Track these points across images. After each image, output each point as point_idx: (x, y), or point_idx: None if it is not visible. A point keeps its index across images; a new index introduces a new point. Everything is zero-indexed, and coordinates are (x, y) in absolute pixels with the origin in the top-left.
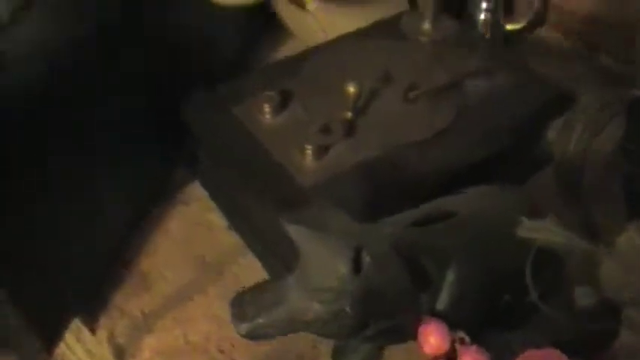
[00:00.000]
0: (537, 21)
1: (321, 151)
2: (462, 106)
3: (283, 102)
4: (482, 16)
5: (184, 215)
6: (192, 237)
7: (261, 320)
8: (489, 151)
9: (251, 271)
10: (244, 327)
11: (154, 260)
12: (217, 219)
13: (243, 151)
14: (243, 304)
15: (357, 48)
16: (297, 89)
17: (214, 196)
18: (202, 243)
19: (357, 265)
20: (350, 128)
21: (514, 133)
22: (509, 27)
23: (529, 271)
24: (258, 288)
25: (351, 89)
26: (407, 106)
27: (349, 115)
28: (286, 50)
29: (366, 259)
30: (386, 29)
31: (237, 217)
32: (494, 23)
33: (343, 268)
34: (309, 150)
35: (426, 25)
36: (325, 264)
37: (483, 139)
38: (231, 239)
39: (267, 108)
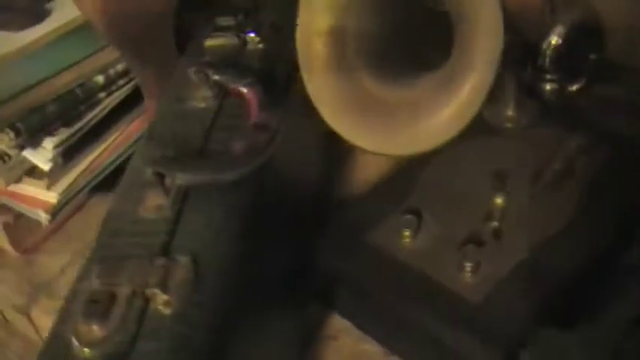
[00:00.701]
0: (595, 77)
1: (478, 264)
2: (579, 186)
3: (418, 222)
4: (548, 87)
5: (337, 350)
6: None
7: None
8: (619, 228)
9: None
10: None
11: None
12: (371, 347)
13: (394, 279)
14: None
15: (455, 153)
16: (423, 205)
17: (362, 325)
18: None
19: None
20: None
21: (630, 202)
22: (571, 88)
23: None
24: None
25: (499, 201)
26: (534, 199)
27: (496, 224)
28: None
29: None
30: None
31: (399, 343)
32: (561, 90)
33: None
34: (468, 267)
35: (510, 112)
36: None
37: (610, 216)
38: None
39: (406, 232)
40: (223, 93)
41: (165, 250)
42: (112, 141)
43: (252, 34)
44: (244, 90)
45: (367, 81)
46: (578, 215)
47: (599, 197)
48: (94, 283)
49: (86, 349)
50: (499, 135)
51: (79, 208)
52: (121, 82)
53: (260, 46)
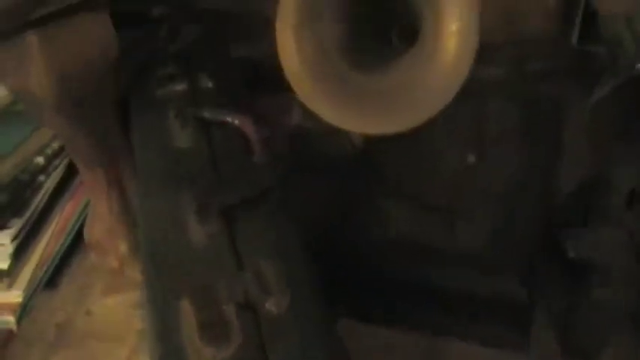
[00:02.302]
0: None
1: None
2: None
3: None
4: None
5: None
6: None
7: None
8: None
9: None
10: None
11: None
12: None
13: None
14: None
15: None
16: (399, 183)
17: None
18: None
19: None
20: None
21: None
22: None
23: None
24: None
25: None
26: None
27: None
28: None
29: None
30: None
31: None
32: None
33: None
34: (460, 225)
35: None
36: None
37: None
38: None
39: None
40: (207, 127)
41: (240, 265)
42: (55, 226)
43: (200, 73)
44: (233, 120)
45: (348, 70)
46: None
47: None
48: (190, 312)
49: None
50: None
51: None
52: (56, 161)
53: (210, 85)
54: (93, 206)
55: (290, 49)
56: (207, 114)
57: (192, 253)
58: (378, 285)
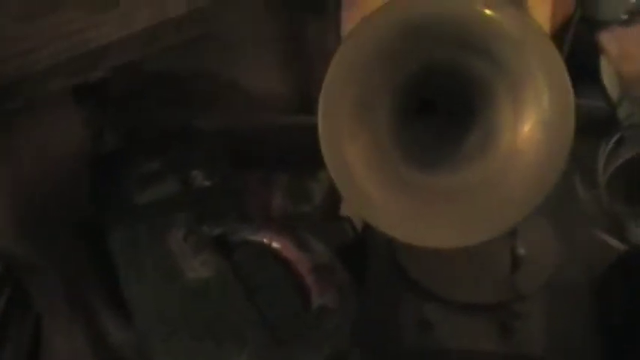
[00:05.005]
0: None
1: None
2: None
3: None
4: None
5: None
6: None
7: None
8: None
9: None
10: None
11: None
12: None
13: None
14: None
15: None
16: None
17: None
18: None
19: None
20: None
21: None
22: None
23: None
24: None
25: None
26: None
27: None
28: None
29: None
30: None
31: None
32: None
33: None
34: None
35: None
36: None
37: None
38: None
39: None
40: (227, 247)
41: None
42: None
43: (195, 171)
44: (270, 242)
45: (407, 169)
46: None
47: None
48: None
49: None
50: None
51: None
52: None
53: (207, 183)
54: (50, 342)
55: (337, 149)
56: (235, 237)
57: None
58: None
